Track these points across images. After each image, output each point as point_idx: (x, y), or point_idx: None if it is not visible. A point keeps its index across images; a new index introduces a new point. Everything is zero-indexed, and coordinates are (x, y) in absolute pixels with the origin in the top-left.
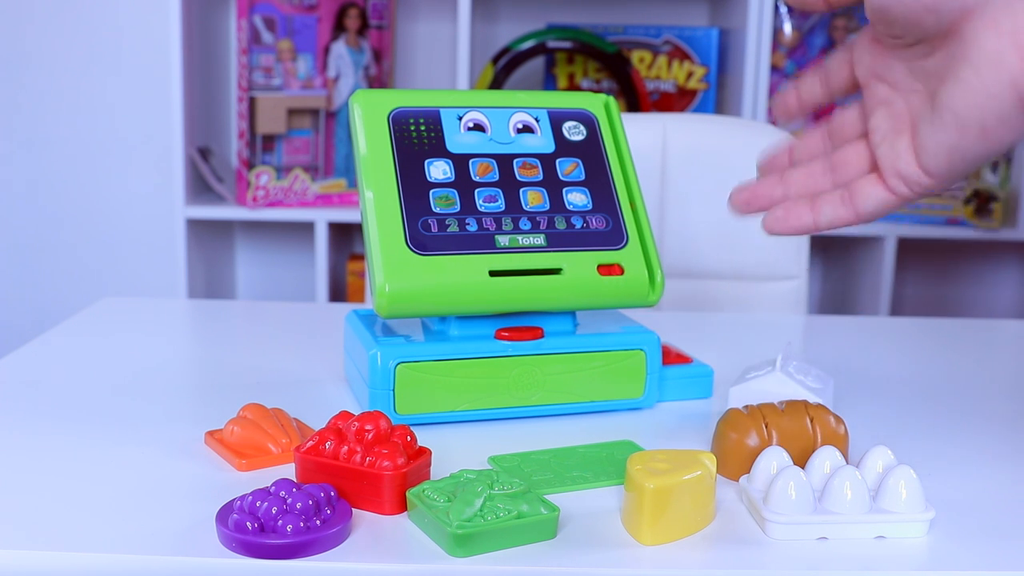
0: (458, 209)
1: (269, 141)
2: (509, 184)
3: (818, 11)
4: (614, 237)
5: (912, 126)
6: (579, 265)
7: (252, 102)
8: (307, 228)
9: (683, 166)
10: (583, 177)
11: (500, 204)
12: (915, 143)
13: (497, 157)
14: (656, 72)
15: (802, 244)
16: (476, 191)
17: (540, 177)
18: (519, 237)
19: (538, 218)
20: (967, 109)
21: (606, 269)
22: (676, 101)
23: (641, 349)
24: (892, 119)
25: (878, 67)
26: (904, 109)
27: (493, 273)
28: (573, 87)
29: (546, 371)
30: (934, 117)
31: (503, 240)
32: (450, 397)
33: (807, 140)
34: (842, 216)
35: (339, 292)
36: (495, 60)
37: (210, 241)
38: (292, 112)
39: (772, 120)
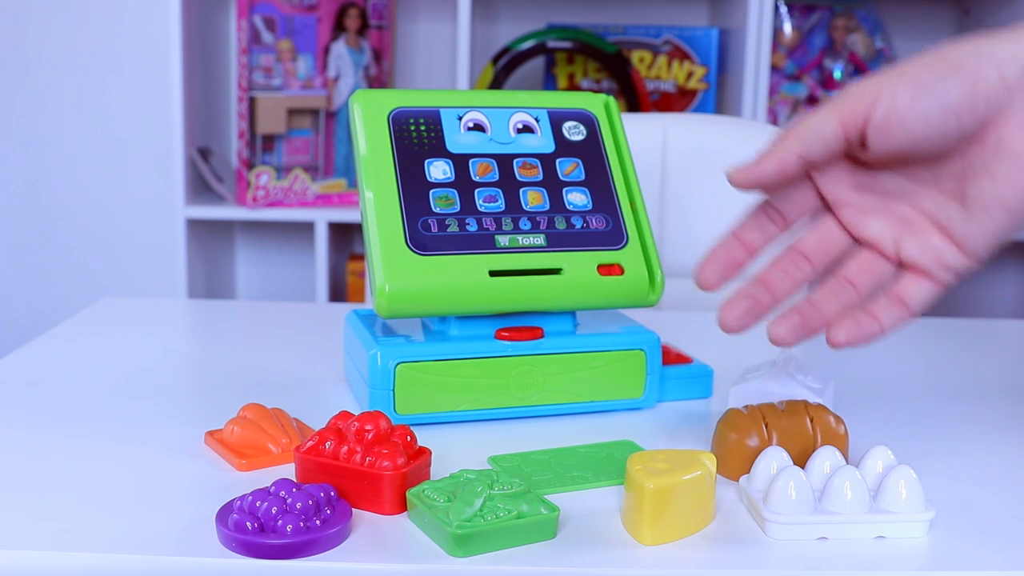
0: (458, 209)
1: (269, 141)
2: (509, 184)
3: (790, 170)
4: (614, 237)
5: (938, 225)
6: (579, 265)
7: (252, 102)
8: (307, 228)
9: (683, 166)
10: (583, 177)
11: (500, 204)
12: (956, 238)
13: (497, 157)
14: (656, 72)
15: None
16: (476, 191)
17: (540, 177)
18: (519, 237)
19: (538, 218)
20: (1014, 198)
21: (606, 269)
22: (676, 101)
23: (641, 349)
24: (896, 222)
25: (863, 182)
26: (910, 211)
27: (493, 273)
28: (573, 87)
29: (546, 371)
30: (976, 213)
31: (503, 240)
32: (450, 397)
33: (778, 267)
34: (900, 316)
35: (339, 292)
36: (495, 60)
37: (210, 241)
38: (292, 112)
39: (773, 120)
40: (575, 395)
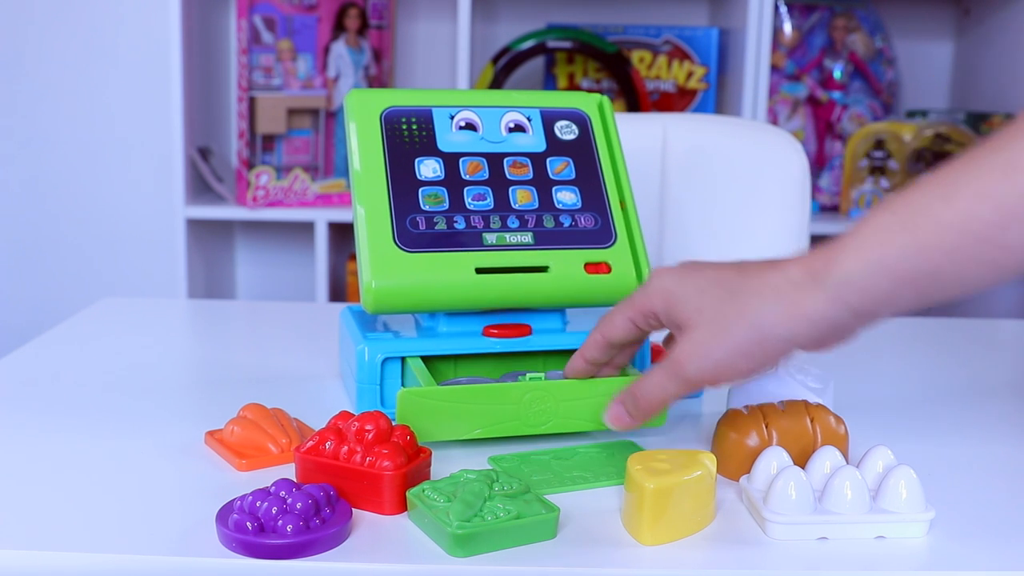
0: (447, 207)
1: (269, 141)
2: (499, 182)
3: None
4: (602, 236)
5: None
6: (566, 263)
7: (252, 102)
8: (307, 228)
9: (683, 166)
10: (573, 176)
11: (489, 202)
12: None
13: (488, 156)
14: (656, 72)
15: (802, 244)
16: (465, 189)
17: (530, 176)
18: (506, 235)
19: (526, 216)
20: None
21: (593, 267)
22: (676, 101)
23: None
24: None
25: None
26: None
27: (480, 270)
28: (573, 87)
29: (559, 397)
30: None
31: (490, 238)
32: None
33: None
34: None
35: (339, 292)
36: (495, 60)
37: (210, 241)
38: (292, 112)
39: (773, 120)
40: (590, 423)
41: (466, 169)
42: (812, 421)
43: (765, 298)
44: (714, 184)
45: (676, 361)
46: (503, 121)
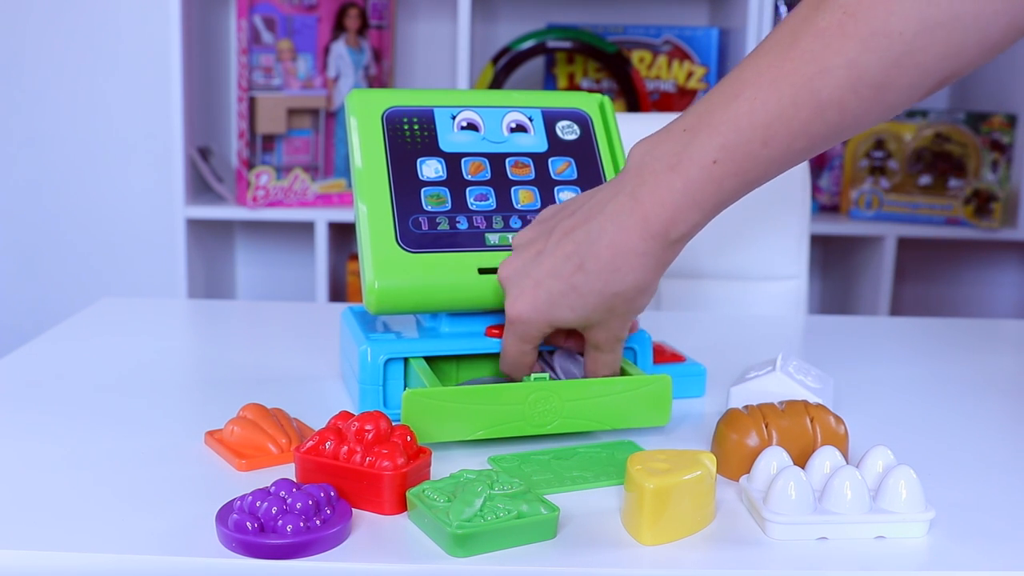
0: (449, 207)
1: (269, 141)
2: (501, 183)
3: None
4: None
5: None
6: None
7: (252, 102)
8: (307, 228)
9: None
10: (575, 176)
11: (491, 202)
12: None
13: (489, 156)
14: (656, 72)
15: (802, 244)
16: (467, 189)
17: (532, 176)
18: (509, 235)
19: (529, 216)
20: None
21: None
22: (676, 101)
23: (632, 347)
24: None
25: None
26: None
27: (482, 271)
28: (573, 87)
29: (564, 397)
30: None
31: (493, 238)
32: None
33: None
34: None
35: (339, 292)
36: (495, 60)
37: (210, 241)
38: (292, 112)
39: None
40: (595, 422)
41: (468, 169)
42: (812, 421)
43: (632, 281)
44: None
45: (605, 346)
46: (504, 121)
